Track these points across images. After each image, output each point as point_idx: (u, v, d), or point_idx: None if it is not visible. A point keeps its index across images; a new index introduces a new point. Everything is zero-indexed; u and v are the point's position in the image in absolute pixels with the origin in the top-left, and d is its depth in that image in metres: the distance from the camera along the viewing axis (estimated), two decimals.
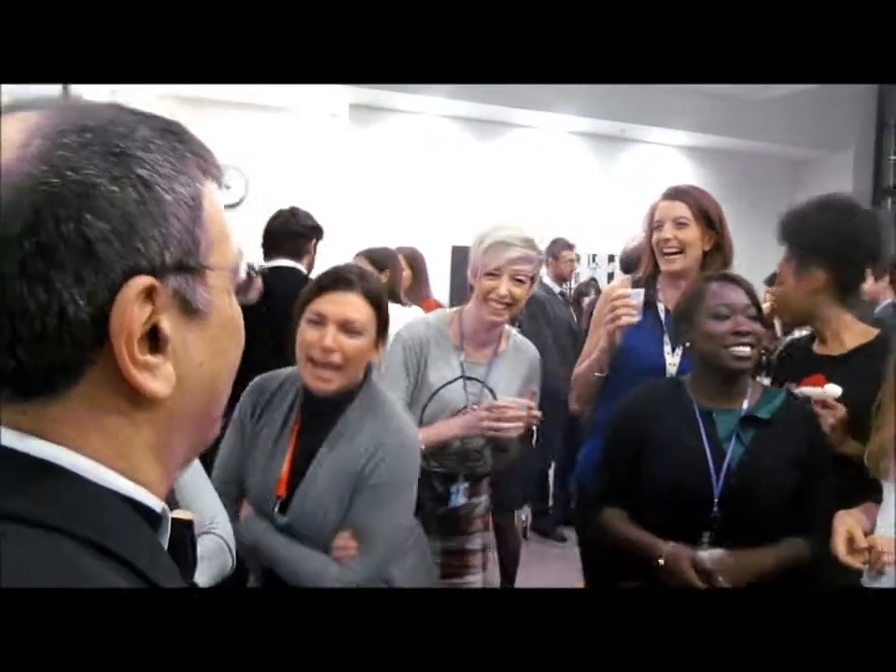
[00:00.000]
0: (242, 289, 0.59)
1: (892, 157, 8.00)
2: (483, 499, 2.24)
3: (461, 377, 2.11)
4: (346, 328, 1.59)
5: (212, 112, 5.62)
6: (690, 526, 1.83)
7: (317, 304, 1.61)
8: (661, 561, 1.80)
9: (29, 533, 0.45)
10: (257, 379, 1.74)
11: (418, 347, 2.10)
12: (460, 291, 6.32)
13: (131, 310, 0.49)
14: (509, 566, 3.81)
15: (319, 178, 5.82)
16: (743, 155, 7.68)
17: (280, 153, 5.95)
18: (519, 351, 2.24)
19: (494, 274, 2.05)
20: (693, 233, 2.24)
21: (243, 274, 0.59)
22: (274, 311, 2.79)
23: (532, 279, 2.13)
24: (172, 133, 0.54)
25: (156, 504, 0.54)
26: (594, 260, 7.19)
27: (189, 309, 0.52)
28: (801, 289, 2.05)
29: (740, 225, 5.10)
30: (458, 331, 2.17)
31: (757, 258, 6.27)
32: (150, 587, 0.49)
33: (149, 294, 0.49)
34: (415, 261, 3.87)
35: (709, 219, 2.26)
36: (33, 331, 0.47)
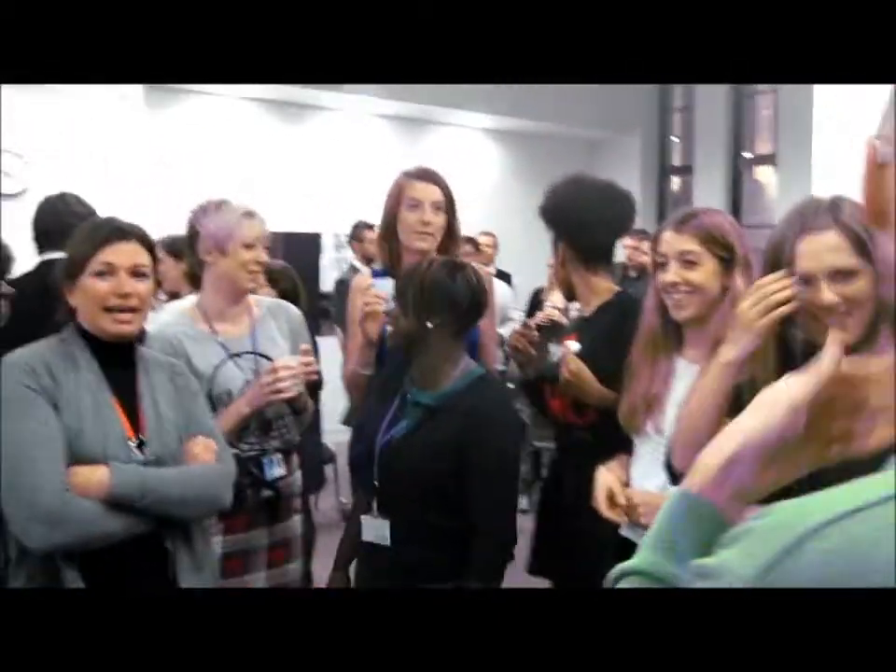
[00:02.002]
0: None
1: (674, 138, 8.65)
2: (298, 476, 2.26)
3: (228, 357, 2.11)
4: (135, 272, 1.70)
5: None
6: (366, 494, 2.01)
7: (103, 256, 1.68)
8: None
9: None
10: (15, 362, 1.64)
11: (171, 349, 2.05)
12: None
13: None
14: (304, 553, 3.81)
15: (111, 165, 5.49)
16: (541, 137, 8.03)
17: (68, 138, 5.55)
18: (275, 313, 2.30)
19: (252, 245, 2.16)
20: (442, 219, 2.33)
21: None
22: (54, 307, 2.62)
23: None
24: None
25: None
26: None
27: None
28: (556, 263, 2.26)
29: (539, 201, 5.29)
30: (204, 316, 2.18)
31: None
32: None
33: None
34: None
35: (453, 205, 2.38)
36: None
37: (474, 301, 1.94)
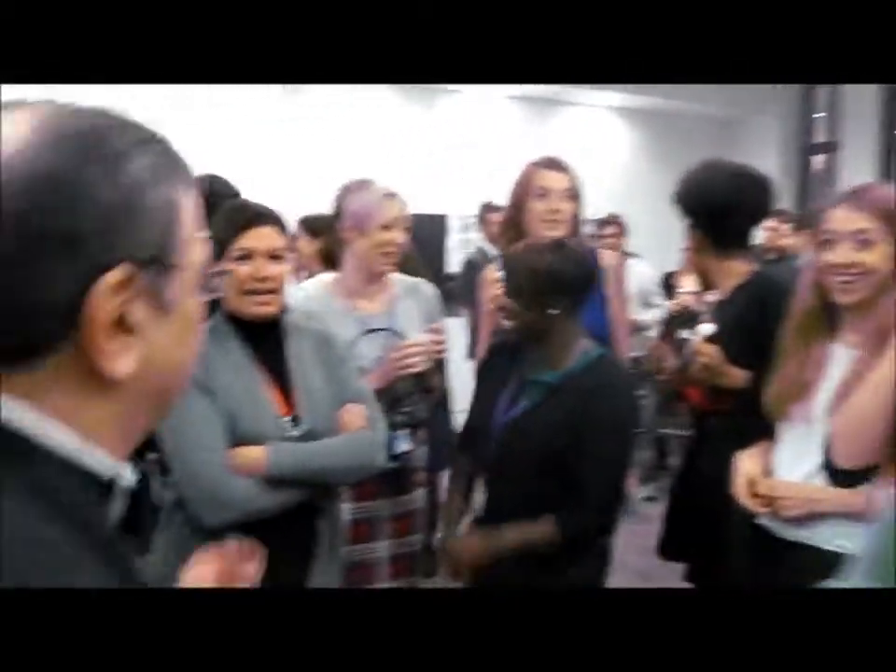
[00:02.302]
0: (209, 286, 0.66)
1: (818, 115, 8.19)
2: (423, 451, 2.31)
3: (363, 332, 2.18)
4: (272, 256, 1.76)
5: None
6: (478, 470, 2.03)
7: (242, 241, 1.75)
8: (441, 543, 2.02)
9: None
10: None
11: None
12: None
13: (102, 300, 0.55)
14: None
15: (252, 147, 5.70)
16: (673, 116, 7.77)
17: (206, 121, 5.81)
18: (413, 291, 2.35)
19: (390, 226, 2.20)
20: (572, 207, 2.35)
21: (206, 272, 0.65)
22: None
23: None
24: (155, 143, 0.61)
25: (107, 467, 0.59)
26: None
27: (157, 302, 0.58)
28: (690, 249, 2.21)
29: (670, 183, 5.23)
30: (345, 290, 2.25)
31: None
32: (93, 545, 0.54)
33: (123, 285, 0.56)
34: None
35: (580, 194, 2.39)
36: (23, 307, 0.53)
37: (587, 278, 1.92)
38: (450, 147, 6.86)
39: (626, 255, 5.35)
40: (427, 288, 2.39)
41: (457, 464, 2.15)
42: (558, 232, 2.29)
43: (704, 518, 2.05)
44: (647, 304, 4.91)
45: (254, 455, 1.68)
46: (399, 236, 2.22)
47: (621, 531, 2.03)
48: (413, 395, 2.23)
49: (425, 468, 2.34)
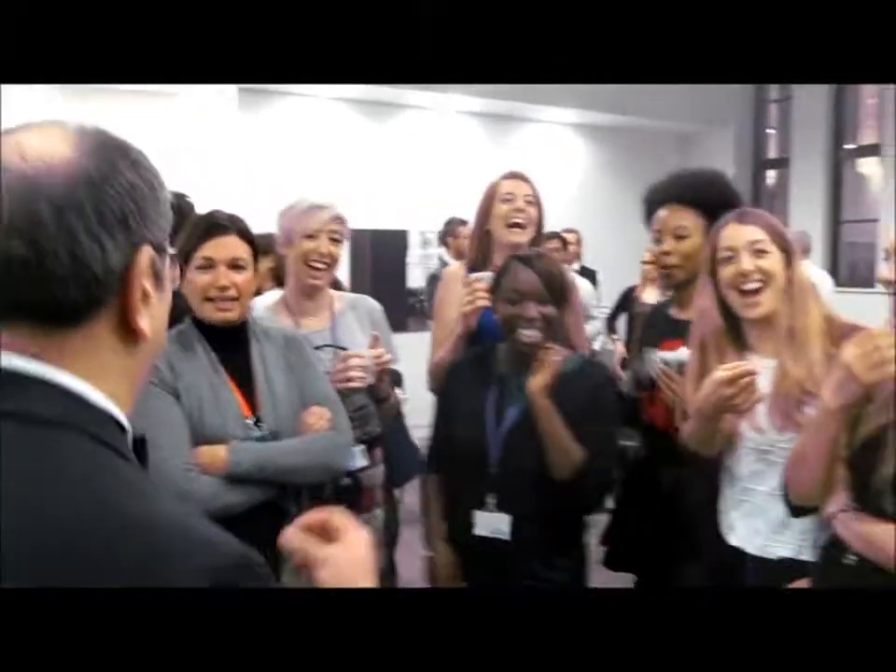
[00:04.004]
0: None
1: (770, 130, 8.35)
2: (381, 469, 2.26)
3: None
4: (233, 265, 1.81)
5: (95, 100, 5.36)
6: (475, 487, 1.93)
7: (203, 251, 1.81)
8: (429, 554, 1.96)
9: (36, 427, 0.65)
10: None
11: None
12: (360, 274, 6.29)
13: (140, 270, 0.70)
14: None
15: (204, 164, 5.65)
16: (630, 131, 7.87)
17: (167, 140, 5.74)
18: (357, 307, 2.32)
19: (313, 236, 2.16)
20: (535, 212, 2.40)
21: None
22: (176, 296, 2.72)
23: (343, 240, 2.25)
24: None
25: (124, 421, 0.74)
26: None
27: (159, 279, 0.74)
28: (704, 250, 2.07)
29: (629, 197, 5.32)
30: (287, 309, 2.23)
31: (643, 228, 6.39)
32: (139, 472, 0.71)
33: (152, 260, 0.72)
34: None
35: (541, 203, 2.45)
36: (84, 274, 0.67)
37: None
38: (408, 164, 6.87)
39: (579, 270, 5.41)
40: (370, 303, 2.37)
41: (432, 480, 2.11)
42: (524, 237, 2.34)
43: (662, 534, 2.04)
44: (587, 318, 4.99)
45: (216, 453, 1.73)
46: (323, 246, 2.17)
47: None
48: (365, 408, 2.18)
49: (383, 484, 2.29)
